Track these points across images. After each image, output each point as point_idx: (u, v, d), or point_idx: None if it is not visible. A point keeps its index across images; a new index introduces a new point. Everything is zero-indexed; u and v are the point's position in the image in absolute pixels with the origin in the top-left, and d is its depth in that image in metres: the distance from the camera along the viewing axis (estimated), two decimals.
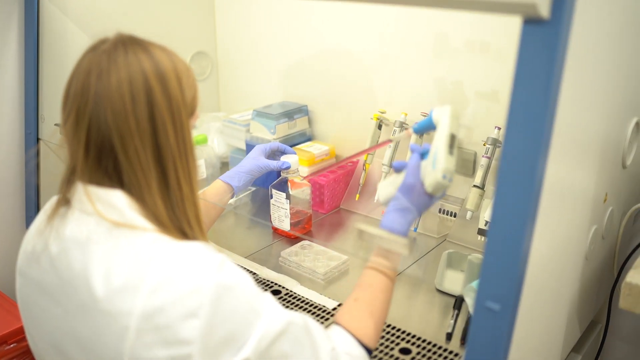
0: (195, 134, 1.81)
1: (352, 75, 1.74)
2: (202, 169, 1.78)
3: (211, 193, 1.38)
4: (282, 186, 1.50)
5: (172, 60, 0.86)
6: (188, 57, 1.99)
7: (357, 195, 1.65)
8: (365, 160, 1.64)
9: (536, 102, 0.77)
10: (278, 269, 1.40)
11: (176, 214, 0.86)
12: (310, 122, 1.87)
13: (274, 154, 1.51)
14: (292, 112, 1.80)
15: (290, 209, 1.50)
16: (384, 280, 0.98)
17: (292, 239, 1.53)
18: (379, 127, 1.63)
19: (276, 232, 1.57)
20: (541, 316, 1.00)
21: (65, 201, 0.87)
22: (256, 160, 1.44)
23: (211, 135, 1.92)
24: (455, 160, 0.97)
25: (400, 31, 1.60)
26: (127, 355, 0.78)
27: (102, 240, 0.82)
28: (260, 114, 1.78)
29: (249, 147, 1.82)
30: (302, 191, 1.52)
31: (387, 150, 1.58)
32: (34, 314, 0.90)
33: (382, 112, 1.62)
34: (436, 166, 0.96)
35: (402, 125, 1.58)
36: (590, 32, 0.87)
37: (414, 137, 1.46)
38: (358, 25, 1.68)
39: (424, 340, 1.14)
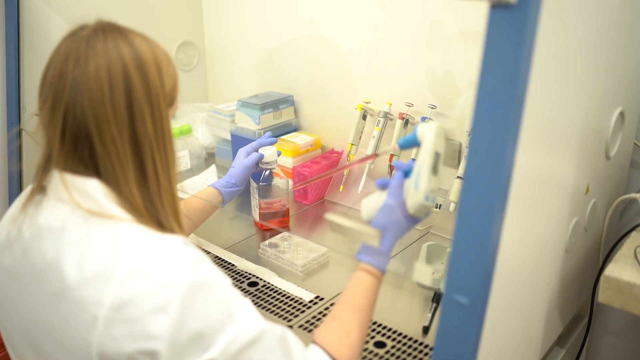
0: (180, 124, 1.80)
1: (340, 65, 1.71)
2: (186, 160, 1.76)
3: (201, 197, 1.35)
4: (256, 177, 1.48)
5: (152, 49, 0.85)
6: (174, 47, 1.97)
7: (341, 187, 1.63)
8: (350, 151, 1.61)
9: (503, 89, 0.74)
10: (258, 260, 1.38)
11: (153, 204, 0.85)
12: (296, 112, 1.84)
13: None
14: (278, 103, 1.78)
15: (266, 201, 1.48)
16: (368, 287, 0.95)
17: (273, 231, 1.51)
18: (364, 117, 1.60)
19: (257, 223, 1.55)
20: (516, 310, 0.98)
21: (40, 189, 0.86)
22: (239, 164, 1.39)
23: (196, 126, 1.90)
24: (439, 180, 0.93)
25: (389, 21, 1.57)
26: (95, 346, 0.76)
27: (76, 228, 0.81)
28: (245, 104, 1.76)
29: (234, 137, 1.80)
30: (280, 183, 1.49)
31: (371, 140, 1.56)
32: (5, 303, 0.88)
33: (367, 102, 1.60)
34: (419, 187, 0.91)
35: (387, 116, 1.55)
36: (564, 17, 0.85)
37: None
38: (346, 14, 1.65)
39: (400, 334, 1.12)
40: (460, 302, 0.82)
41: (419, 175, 0.92)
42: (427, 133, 0.94)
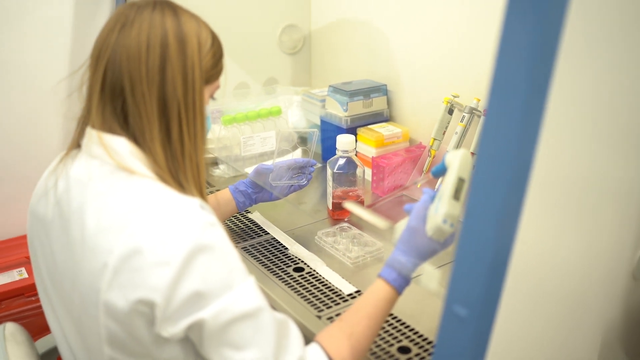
0: (271, 105, 1.80)
1: (438, 56, 1.62)
2: (271, 141, 1.77)
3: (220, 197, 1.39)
4: (332, 164, 1.44)
5: (198, 26, 0.92)
6: (279, 30, 1.98)
7: (419, 184, 1.55)
8: (431, 146, 1.53)
9: (520, 73, 0.64)
10: (312, 247, 1.35)
11: (176, 166, 0.89)
12: (390, 103, 1.78)
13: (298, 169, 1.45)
14: (369, 91, 1.72)
15: (341, 190, 1.44)
16: (380, 300, 0.93)
17: (335, 219, 1.47)
18: (450, 111, 1.51)
19: (328, 210, 1.52)
20: (546, 333, 0.86)
21: (77, 145, 0.94)
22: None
23: (290, 109, 1.89)
24: (461, 205, 0.91)
25: (489, 14, 1.46)
26: (103, 292, 0.81)
27: (102, 181, 0.87)
28: (335, 90, 1.72)
29: (324, 123, 1.77)
30: (357, 171, 1.45)
31: (453, 137, 1.46)
32: (38, 250, 0.96)
33: (455, 96, 1.50)
34: (438, 210, 0.91)
35: (473, 112, 1.45)
36: None
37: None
38: (451, 5, 1.56)
39: (429, 342, 1.04)
40: (459, 313, 0.73)
41: (440, 199, 0.91)
42: (453, 160, 0.95)
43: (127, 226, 0.81)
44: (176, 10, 0.90)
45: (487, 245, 0.69)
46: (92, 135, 0.89)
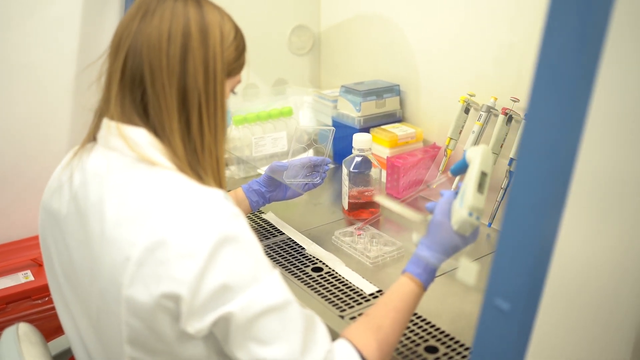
0: (282, 105, 1.78)
1: (451, 57, 1.61)
2: (282, 142, 1.74)
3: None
4: (348, 163, 1.42)
5: (222, 18, 0.90)
6: (288, 30, 1.96)
7: (435, 185, 1.52)
8: (447, 146, 1.51)
9: (567, 64, 0.63)
10: (330, 247, 1.32)
11: (194, 159, 0.87)
12: (402, 103, 1.76)
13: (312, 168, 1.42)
14: (382, 91, 1.71)
15: (358, 190, 1.42)
16: (407, 294, 0.91)
17: (352, 219, 1.45)
18: (466, 110, 1.49)
19: (343, 210, 1.49)
20: (585, 326, 0.84)
21: (92, 138, 0.92)
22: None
23: (301, 110, 1.87)
24: (484, 199, 0.92)
25: (504, 11, 1.45)
26: (125, 287, 0.78)
27: (121, 173, 0.84)
28: (348, 90, 1.71)
29: (335, 123, 1.75)
30: (373, 172, 1.43)
31: (470, 136, 1.44)
32: (51, 247, 0.93)
33: (471, 95, 1.48)
34: (463, 203, 0.91)
35: (490, 110, 1.43)
36: None
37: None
38: (462, 5, 1.55)
39: (456, 342, 1.01)
40: (501, 307, 0.71)
41: (464, 192, 0.92)
42: (475, 155, 0.96)
43: (150, 218, 0.78)
44: (200, 1, 0.88)
45: (531, 236, 0.67)
46: (110, 126, 0.86)
